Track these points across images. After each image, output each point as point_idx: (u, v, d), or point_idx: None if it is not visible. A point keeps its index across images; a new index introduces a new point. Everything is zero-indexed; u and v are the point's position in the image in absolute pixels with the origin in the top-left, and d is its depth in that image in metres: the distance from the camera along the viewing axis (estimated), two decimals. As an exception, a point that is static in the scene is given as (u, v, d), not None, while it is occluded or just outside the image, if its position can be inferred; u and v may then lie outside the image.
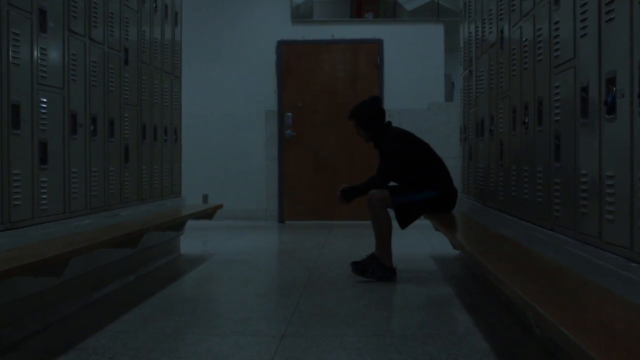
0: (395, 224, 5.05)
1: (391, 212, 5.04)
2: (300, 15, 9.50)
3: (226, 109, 9.48)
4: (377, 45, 9.36)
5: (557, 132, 3.10)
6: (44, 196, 3.70)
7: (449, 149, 8.86)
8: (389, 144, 5.07)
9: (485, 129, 4.84)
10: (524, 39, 3.73)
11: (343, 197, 5.14)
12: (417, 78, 9.34)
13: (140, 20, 5.23)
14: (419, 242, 7.00)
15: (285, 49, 9.41)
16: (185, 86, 9.45)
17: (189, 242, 7.03)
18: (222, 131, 9.49)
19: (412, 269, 5.47)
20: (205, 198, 9.49)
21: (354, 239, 7.41)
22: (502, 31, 4.30)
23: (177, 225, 5.17)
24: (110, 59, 4.64)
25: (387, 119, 5.31)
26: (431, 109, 9.29)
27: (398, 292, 4.65)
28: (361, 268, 4.94)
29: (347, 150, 9.31)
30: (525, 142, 3.72)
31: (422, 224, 5.86)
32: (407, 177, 5.11)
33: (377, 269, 4.94)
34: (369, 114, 5.19)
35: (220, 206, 6.34)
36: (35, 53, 3.59)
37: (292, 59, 9.42)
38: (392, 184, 5.17)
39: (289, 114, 9.34)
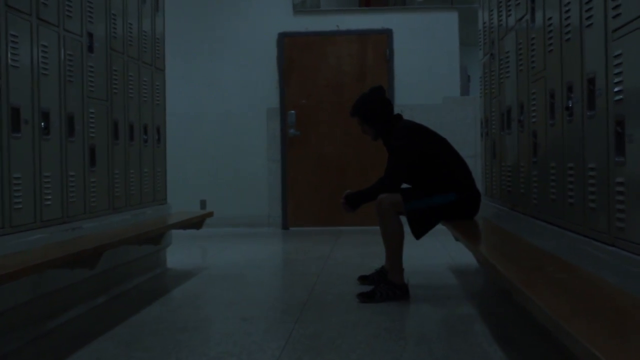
0: (408, 232, 4.32)
1: (404, 220, 4.31)
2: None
3: (224, 108, 8.78)
4: (386, 36, 8.63)
5: (620, 117, 2.35)
6: (-27, 208, 2.99)
7: (466, 147, 8.09)
8: (398, 140, 4.34)
9: (512, 119, 4.09)
10: (564, 3, 2.98)
11: (348, 204, 4.42)
12: (430, 71, 8.60)
13: (109, 3, 4.52)
14: (435, 251, 6.26)
15: (287, 41, 8.70)
16: (180, 83, 8.78)
17: (180, 254, 6.33)
18: (220, 131, 8.79)
19: (428, 285, 4.73)
20: (203, 204, 8.79)
21: (363, 248, 6.68)
22: (533, 1, 3.55)
23: (154, 238, 4.45)
24: (68, 44, 3.92)
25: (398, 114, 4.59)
26: (446, 104, 8.55)
27: (412, 317, 3.91)
28: (367, 295, 4.21)
29: (356, 151, 8.58)
30: (568, 132, 2.97)
31: (439, 230, 5.11)
32: (421, 178, 4.38)
33: (385, 290, 4.21)
34: (372, 107, 4.47)
35: (210, 214, 5.62)
36: (-44, 31, 2.89)
37: (294, 52, 8.70)
38: (404, 186, 4.44)
39: (292, 111, 8.62)
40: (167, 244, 5.43)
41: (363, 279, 4.78)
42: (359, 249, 6.62)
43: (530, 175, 3.68)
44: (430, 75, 8.59)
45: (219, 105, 8.78)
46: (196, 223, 5.28)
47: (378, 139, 4.61)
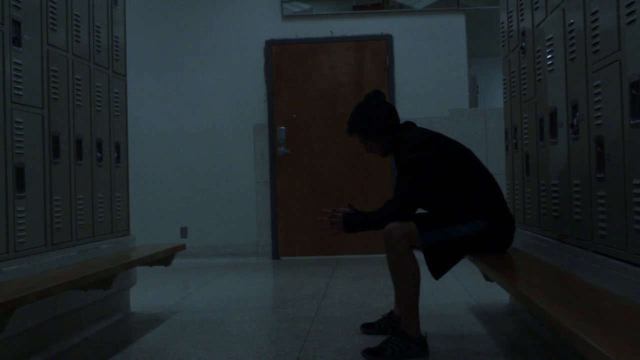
0: (425, 271, 3.39)
1: (419, 255, 3.38)
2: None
3: (207, 124, 7.87)
4: (385, 42, 7.75)
5: None
6: None
7: (478, 164, 7.19)
8: (411, 153, 3.42)
9: (559, 125, 3.17)
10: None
11: (346, 224, 3.47)
12: (435, 80, 7.72)
13: (47, -14, 3.61)
14: (448, 285, 5.32)
15: (275, 50, 7.81)
16: (157, 98, 7.87)
17: (150, 292, 5.42)
18: (202, 150, 7.87)
19: (449, 334, 3.79)
20: (183, 232, 7.85)
21: (365, 282, 5.74)
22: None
23: (101, 281, 3.49)
24: (-18, 32, 3.01)
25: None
26: (453, 116, 7.65)
27: (436, 384, 2.97)
28: (375, 351, 3.27)
29: (355, 170, 7.66)
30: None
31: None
32: (441, 201, 3.46)
33: (398, 344, 3.27)
34: (373, 117, 3.56)
35: (182, 247, 4.68)
36: None
37: (284, 61, 7.81)
38: (419, 211, 3.52)
39: (282, 128, 7.71)
40: (128, 284, 4.49)
41: (367, 328, 3.84)
42: (360, 284, 5.68)
43: (592, 196, 2.76)
44: (436, 85, 7.71)
45: (201, 121, 7.88)
46: (163, 259, 4.33)
47: (387, 156, 3.69)
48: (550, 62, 3.27)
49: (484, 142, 7.57)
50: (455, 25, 7.76)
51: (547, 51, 3.29)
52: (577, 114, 2.89)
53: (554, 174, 3.29)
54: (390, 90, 7.65)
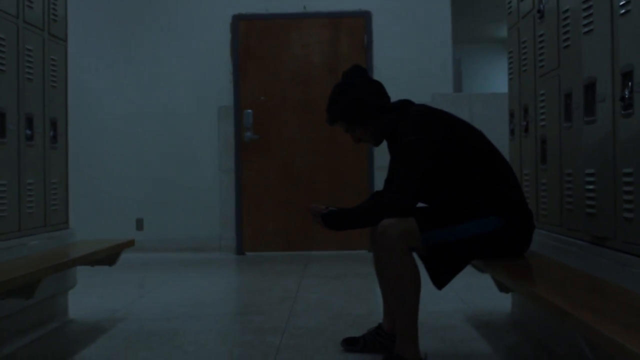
0: (425, 278, 2.75)
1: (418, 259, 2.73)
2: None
3: (167, 105, 7.15)
4: (363, 20, 7.10)
5: None
6: None
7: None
8: (411, 133, 2.76)
9: (598, 100, 2.54)
10: None
11: (326, 223, 2.82)
12: (417, 62, 7.09)
13: None
14: (434, 289, 4.66)
15: (242, 25, 7.11)
16: (114, 77, 7.12)
17: (96, 294, 4.71)
18: (161, 135, 7.15)
19: (448, 353, 3.16)
20: (139, 223, 7.13)
21: (342, 283, 5.09)
22: None
23: (16, 290, 2.77)
24: None
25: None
26: (436, 101, 7.00)
27: None
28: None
29: (328, 159, 7.00)
30: None
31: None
32: (446, 192, 2.81)
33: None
34: (355, 98, 2.89)
35: (130, 243, 3.97)
36: None
37: (252, 38, 7.11)
38: (418, 206, 2.87)
39: (249, 111, 7.02)
40: (65, 286, 3.78)
41: (350, 345, 3.17)
42: (336, 285, 5.03)
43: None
44: (418, 68, 7.08)
45: (160, 102, 7.15)
46: (106, 258, 3.63)
47: (380, 144, 3.03)
48: (586, 21, 2.63)
49: (468, 130, 6.95)
50: (439, 2, 7.13)
51: (583, 7, 2.64)
52: (630, 83, 2.26)
53: (588, 161, 2.66)
54: (369, 72, 6.97)
